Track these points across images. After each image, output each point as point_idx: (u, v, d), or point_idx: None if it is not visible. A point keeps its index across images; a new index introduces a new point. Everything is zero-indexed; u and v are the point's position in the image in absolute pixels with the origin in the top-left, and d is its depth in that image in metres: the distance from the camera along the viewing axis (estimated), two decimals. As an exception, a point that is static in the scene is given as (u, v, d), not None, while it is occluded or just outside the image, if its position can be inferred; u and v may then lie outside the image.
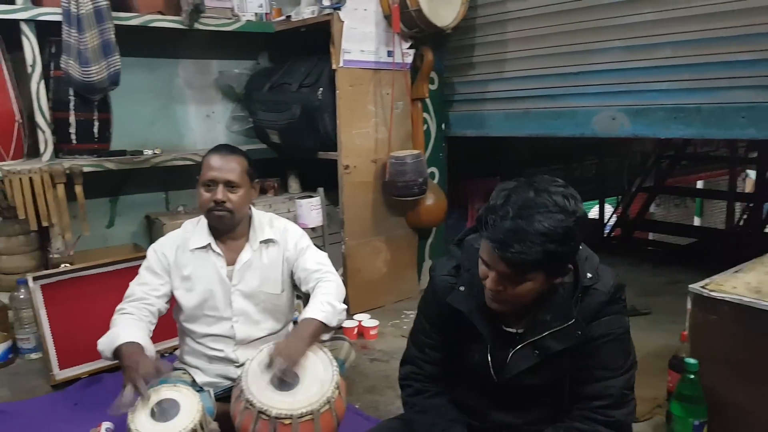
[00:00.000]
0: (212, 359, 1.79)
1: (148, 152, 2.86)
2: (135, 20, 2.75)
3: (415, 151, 3.00)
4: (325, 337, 1.70)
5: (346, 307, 1.72)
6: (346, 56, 2.81)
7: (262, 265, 1.80)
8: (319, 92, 2.86)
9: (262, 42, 3.43)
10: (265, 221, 1.84)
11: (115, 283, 2.02)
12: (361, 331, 2.75)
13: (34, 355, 2.45)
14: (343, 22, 2.77)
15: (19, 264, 2.63)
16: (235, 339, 1.77)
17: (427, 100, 3.23)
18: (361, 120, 2.94)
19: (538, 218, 1.08)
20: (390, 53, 2.96)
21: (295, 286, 1.87)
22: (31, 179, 2.48)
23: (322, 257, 1.85)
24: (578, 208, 1.12)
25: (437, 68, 3.23)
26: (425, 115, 3.25)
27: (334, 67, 2.80)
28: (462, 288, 1.30)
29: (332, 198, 3.04)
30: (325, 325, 1.62)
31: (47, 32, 2.59)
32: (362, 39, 2.86)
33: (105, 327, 1.65)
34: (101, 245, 3.06)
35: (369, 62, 2.91)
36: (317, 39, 2.92)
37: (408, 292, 3.29)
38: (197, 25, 2.90)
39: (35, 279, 2.25)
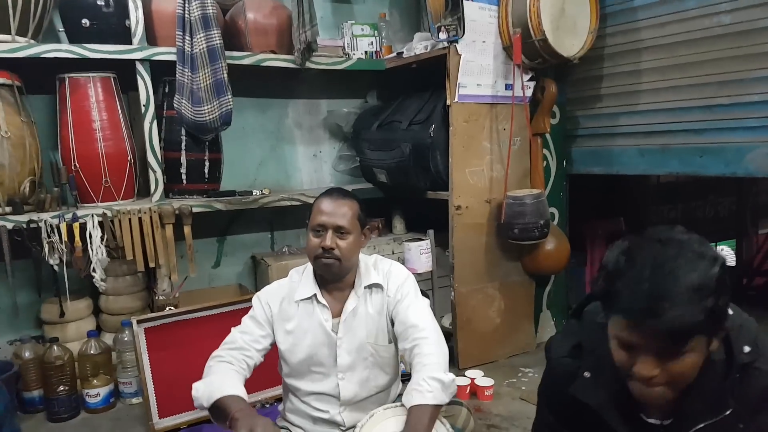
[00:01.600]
0: (316, 420, 1.61)
1: (256, 192, 2.80)
2: (247, 59, 2.74)
3: (536, 191, 2.71)
4: None
5: (454, 377, 1.46)
6: (462, 90, 2.62)
7: (368, 314, 1.61)
8: (431, 129, 2.67)
9: (371, 80, 3.35)
10: (370, 264, 1.66)
11: (218, 327, 1.91)
12: (474, 390, 2.45)
13: (135, 400, 2.39)
14: (460, 55, 2.59)
15: (125, 305, 2.61)
16: (340, 399, 1.58)
17: (548, 136, 2.95)
18: (475, 157, 2.71)
19: (683, 272, 0.89)
20: (509, 86, 2.73)
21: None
22: (140, 219, 2.46)
23: (423, 309, 1.61)
24: (718, 253, 0.94)
25: (559, 101, 2.95)
26: (545, 151, 2.97)
27: (448, 102, 2.61)
28: (587, 374, 1.06)
29: (440, 240, 2.81)
30: (438, 406, 1.40)
31: (161, 72, 2.62)
32: (479, 72, 2.66)
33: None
34: (206, 285, 3.02)
35: (486, 96, 2.69)
36: (428, 75, 2.77)
37: (524, 345, 2.97)
38: (308, 64, 2.85)
39: (139, 322, 2.18)
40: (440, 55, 2.63)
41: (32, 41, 2.38)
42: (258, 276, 3.05)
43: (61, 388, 2.29)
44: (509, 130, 2.76)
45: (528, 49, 2.61)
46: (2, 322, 2.64)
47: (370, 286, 1.62)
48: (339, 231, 1.54)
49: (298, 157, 3.31)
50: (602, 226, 3.78)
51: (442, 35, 2.62)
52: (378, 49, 3.17)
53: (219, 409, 1.42)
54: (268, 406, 2.27)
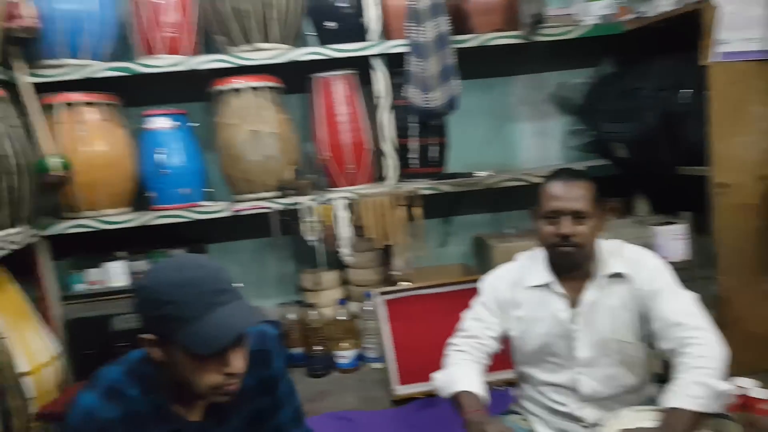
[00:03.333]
0: (554, 412, 1.54)
1: (479, 174, 2.82)
2: (472, 41, 2.75)
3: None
4: None
5: (730, 387, 1.27)
6: (724, 48, 2.24)
7: (611, 306, 1.48)
8: (683, 95, 2.35)
9: (605, 46, 3.07)
10: (613, 251, 1.52)
11: (447, 304, 2.00)
12: (746, 403, 2.12)
13: (377, 365, 2.63)
14: (718, 7, 2.22)
15: (367, 278, 2.88)
16: (579, 393, 1.50)
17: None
18: (741, 126, 2.31)
19: None
20: (786, 38, 2.25)
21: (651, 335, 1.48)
22: (378, 202, 2.68)
23: (688, 303, 1.42)
24: None
25: None
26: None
27: (705, 62, 2.26)
28: None
29: (696, 224, 2.48)
30: (702, 414, 1.23)
31: (393, 63, 2.78)
32: (746, 25, 2.24)
33: (439, 348, 1.59)
34: (434, 263, 3.16)
35: (756, 53, 2.27)
36: (674, 35, 2.43)
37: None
38: (537, 38, 2.74)
39: (380, 293, 2.40)
40: (693, 10, 2.29)
41: (289, 47, 2.74)
42: (481, 257, 3.09)
43: (318, 347, 2.64)
44: (789, 91, 2.29)
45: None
46: (272, 288, 3.14)
47: (612, 276, 1.49)
48: (577, 216, 1.43)
49: (522, 135, 3.24)
50: None
51: (696, -14, 2.27)
52: (614, 11, 2.88)
53: (456, 403, 1.44)
54: (500, 389, 2.28)
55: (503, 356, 1.65)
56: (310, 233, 2.68)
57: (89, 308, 2.66)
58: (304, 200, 2.68)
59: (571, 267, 1.50)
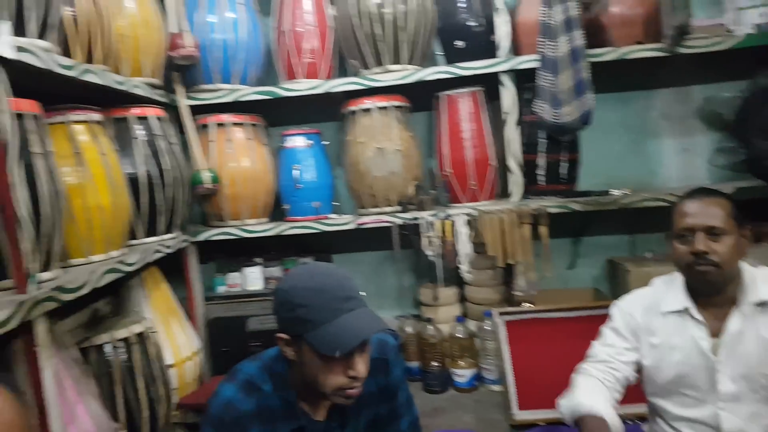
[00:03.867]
0: (691, 450, 1.42)
1: (615, 192, 2.67)
2: (609, 55, 2.63)
3: None
4: None
5: None
6: None
7: (759, 337, 1.35)
8: None
9: (761, 57, 2.78)
10: (760, 278, 1.38)
11: (574, 329, 1.91)
12: None
13: (495, 387, 2.57)
14: None
15: (486, 296, 2.84)
16: (720, 431, 1.37)
17: None
18: None
19: None
20: None
21: None
22: (501, 219, 2.64)
23: None
24: None
25: None
26: None
27: None
28: None
29: None
30: None
31: (522, 79, 2.75)
32: None
33: (563, 375, 1.54)
34: (561, 286, 3.03)
35: None
36: None
37: None
38: (681, 50, 2.56)
39: (501, 314, 2.35)
40: None
41: (418, 67, 2.81)
42: (615, 282, 2.91)
43: (434, 363, 2.64)
44: None
45: None
46: (391, 300, 3.21)
47: (761, 304, 1.36)
48: (711, 232, 1.34)
49: (663, 152, 3.02)
50: None
51: None
52: (772, 20, 2.61)
53: (582, 427, 1.38)
54: (630, 423, 2.14)
55: (634, 388, 1.55)
56: (430, 248, 2.71)
57: (228, 309, 2.90)
58: (425, 215, 2.72)
59: (711, 291, 1.39)
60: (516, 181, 2.77)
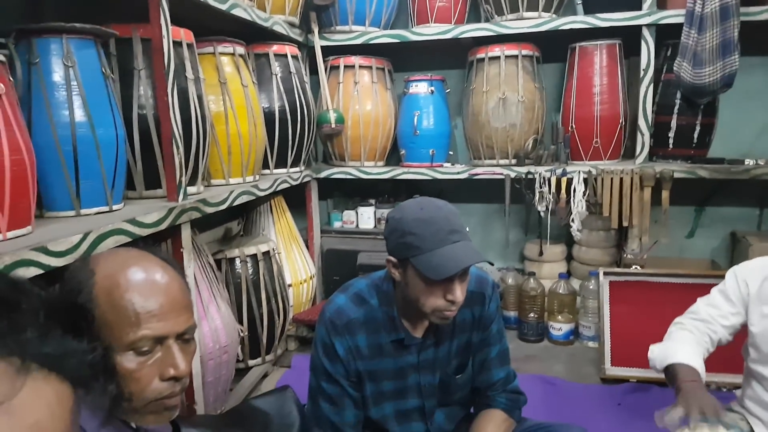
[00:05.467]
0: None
1: (749, 162, 2.48)
2: (766, 14, 2.38)
3: None
4: None
5: None
6: None
7: None
8: None
9: None
10: None
11: (681, 296, 1.85)
12: None
13: (590, 344, 2.57)
14: None
15: (594, 257, 2.80)
16: None
17: None
18: None
19: None
20: None
21: None
22: (621, 179, 2.56)
23: None
24: None
25: None
26: None
27: None
28: None
29: None
30: None
31: (665, 35, 2.58)
32: None
33: (659, 337, 1.56)
34: (676, 255, 2.90)
35: None
36: None
37: None
38: None
39: (605, 274, 2.33)
40: None
41: (554, 15, 2.73)
42: (735, 255, 2.74)
43: (532, 315, 2.68)
44: None
45: None
46: (495, 253, 3.25)
47: None
48: None
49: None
50: None
51: None
52: None
53: (670, 374, 1.42)
54: (724, 390, 2.09)
55: (732, 357, 1.51)
56: (542, 204, 2.70)
57: (341, 242, 3.12)
58: (541, 170, 2.70)
59: None
60: (644, 142, 2.65)
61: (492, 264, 1.34)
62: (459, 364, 1.43)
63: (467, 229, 1.30)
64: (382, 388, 1.38)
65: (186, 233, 1.77)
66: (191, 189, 1.90)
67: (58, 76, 1.41)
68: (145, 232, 1.49)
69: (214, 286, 2.08)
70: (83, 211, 1.48)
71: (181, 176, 1.74)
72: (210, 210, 1.91)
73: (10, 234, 1.18)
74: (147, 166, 1.75)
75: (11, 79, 1.26)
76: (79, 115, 1.42)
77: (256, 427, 1.54)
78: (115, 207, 1.56)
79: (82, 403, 0.49)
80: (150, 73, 1.72)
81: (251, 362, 2.40)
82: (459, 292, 1.24)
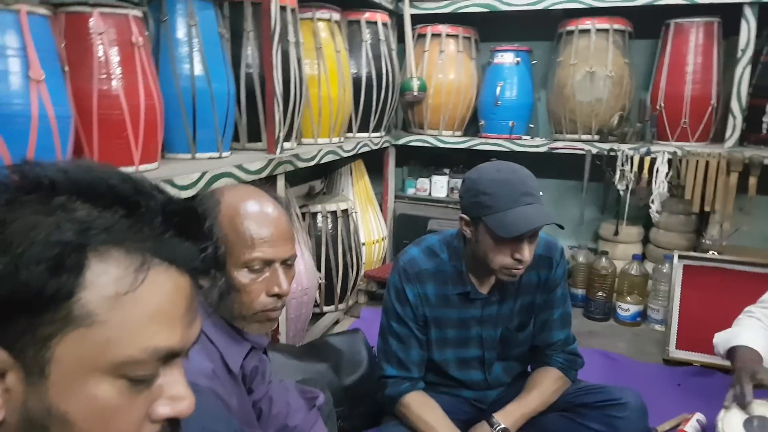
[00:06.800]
0: None
1: None
2: None
3: None
4: None
5: None
6: None
7: None
8: None
9: None
10: None
11: (756, 287, 1.83)
12: None
13: (657, 327, 2.56)
14: None
15: (671, 240, 2.76)
16: None
17: None
18: None
19: None
20: None
21: None
22: (707, 163, 2.50)
23: None
24: None
25: None
26: None
27: None
28: None
29: None
30: None
31: (766, 15, 2.45)
32: None
33: (729, 325, 1.58)
34: (758, 245, 2.79)
35: None
36: None
37: None
38: None
39: (680, 258, 2.31)
40: None
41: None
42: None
43: (600, 293, 2.70)
44: None
45: None
46: (569, 230, 3.19)
47: None
48: None
49: None
50: None
51: None
52: None
53: (732, 358, 1.44)
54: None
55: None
56: (622, 183, 2.68)
57: (413, 208, 3.23)
58: (624, 148, 2.67)
59: None
60: (735, 125, 2.56)
61: (562, 228, 1.40)
62: (520, 322, 1.52)
63: (541, 193, 1.37)
64: (446, 335, 1.50)
65: (281, 183, 1.95)
66: (286, 144, 2.05)
67: (182, 33, 1.59)
68: (249, 178, 1.67)
69: (299, 234, 2.26)
70: (198, 155, 1.68)
71: (279, 132, 1.91)
72: (301, 165, 2.07)
73: (141, 167, 1.38)
74: (250, 121, 1.94)
75: (146, 33, 1.44)
76: (199, 69, 1.60)
77: (330, 359, 1.71)
78: (224, 154, 1.75)
79: (197, 293, 0.55)
80: (257, 35, 1.88)
81: (326, 308, 2.59)
82: (527, 252, 1.32)
